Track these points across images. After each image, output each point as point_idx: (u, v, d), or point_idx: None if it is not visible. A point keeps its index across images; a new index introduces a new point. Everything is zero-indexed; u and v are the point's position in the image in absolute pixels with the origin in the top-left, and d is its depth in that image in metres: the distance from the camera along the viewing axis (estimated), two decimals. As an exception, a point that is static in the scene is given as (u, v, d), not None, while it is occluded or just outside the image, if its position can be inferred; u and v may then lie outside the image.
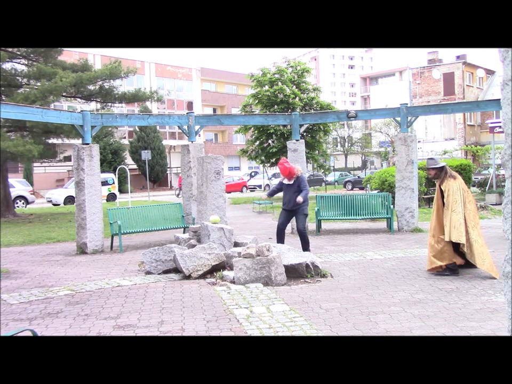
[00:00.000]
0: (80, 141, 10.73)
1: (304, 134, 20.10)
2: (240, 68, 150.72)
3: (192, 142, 11.62)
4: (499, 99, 2.80)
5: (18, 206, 24.64)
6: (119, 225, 9.96)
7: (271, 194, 9.35)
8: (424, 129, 40.80)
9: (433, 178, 7.34)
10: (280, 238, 8.83)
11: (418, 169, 12.89)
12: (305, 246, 8.69)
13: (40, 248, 10.94)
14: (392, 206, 11.26)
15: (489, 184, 19.92)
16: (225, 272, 6.93)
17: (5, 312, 5.64)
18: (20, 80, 18.07)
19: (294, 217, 9.02)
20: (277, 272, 6.50)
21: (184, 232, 10.57)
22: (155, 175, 39.86)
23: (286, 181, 8.87)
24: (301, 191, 8.56)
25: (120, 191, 31.34)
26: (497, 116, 29.42)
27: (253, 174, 44.70)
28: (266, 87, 23.18)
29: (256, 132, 23.55)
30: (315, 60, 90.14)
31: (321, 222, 11.80)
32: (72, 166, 12.44)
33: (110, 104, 20.46)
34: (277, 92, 22.83)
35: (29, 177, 33.62)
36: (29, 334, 3.17)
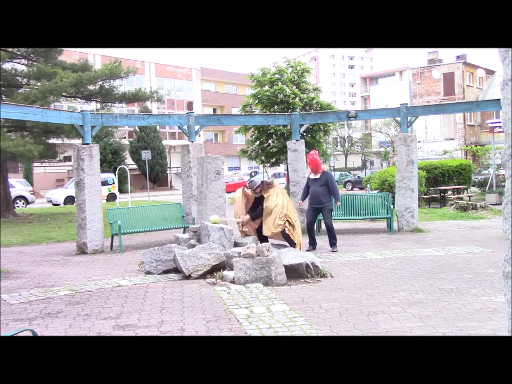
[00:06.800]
0: (80, 141, 10.72)
1: (304, 134, 20.05)
2: (240, 67, 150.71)
3: (192, 142, 11.62)
4: (499, 99, 2.80)
5: (18, 206, 24.64)
6: (119, 225, 9.95)
7: (304, 198, 9.55)
8: (424, 129, 40.78)
9: (260, 193, 8.38)
10: (312, 237, 9.14)
11: (418, 169, 12.89)
12: (333, 241, 9.01)
13: (40, 248, 10.94)
14: (392, 206, 11.25)
15: (489, 184, 19.92)
16: (225, 272, 6.92)
17: (5, 312, 5.64)
18: (20, 80, 18.07)
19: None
20: (277, 272, 6.50)
21: (184, 232, 10.56)
22: (155, 175, 39.85)
23: (312, 176, 9.08)
24: (326, 186, 8.88)
25: (120, 191, 31.32)
26: (497, 116, 29.41)
27: (253, 174, 44.67)
28: (266, 87, 23.13)
29: (256, 132, 23.51)
30: (315, 60, 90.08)
31: (321, 222, 11.77)
32: (72, 166, 12.43)
33: (110, 104, 20.47)
34: (277, 92, 22.78)
35: (29, 177, 33.62)
36: (29, 334, 3.18)
